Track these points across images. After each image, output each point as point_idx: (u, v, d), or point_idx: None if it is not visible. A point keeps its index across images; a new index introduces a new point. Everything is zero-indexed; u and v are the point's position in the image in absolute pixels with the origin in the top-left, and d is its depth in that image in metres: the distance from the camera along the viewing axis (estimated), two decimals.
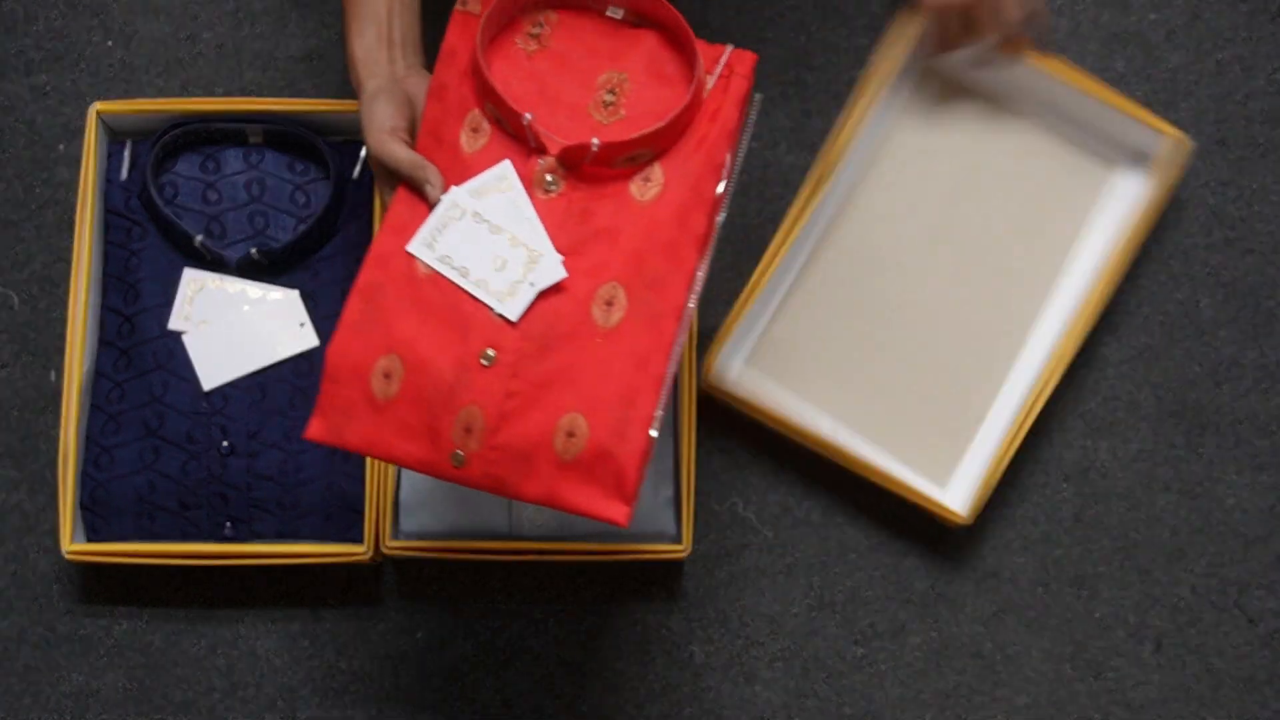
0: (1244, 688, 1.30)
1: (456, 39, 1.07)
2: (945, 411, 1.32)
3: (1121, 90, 1.39)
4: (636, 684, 1.30)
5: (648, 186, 1.05)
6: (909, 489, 1.26)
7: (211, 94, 1.38)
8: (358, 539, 1.26)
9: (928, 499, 1.26)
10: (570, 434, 1.00)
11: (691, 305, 1.04)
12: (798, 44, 1.40)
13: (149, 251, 1.27)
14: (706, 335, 1.30)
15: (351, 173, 1.30)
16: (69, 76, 1.38)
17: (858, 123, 1.30)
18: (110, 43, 1.39)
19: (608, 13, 1.10)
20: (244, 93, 1.38)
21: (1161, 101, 1.39)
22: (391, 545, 1.23)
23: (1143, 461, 1.33)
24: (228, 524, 1.25)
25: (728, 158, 1.06)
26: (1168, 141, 1.30)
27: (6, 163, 1.37)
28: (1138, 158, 1.34)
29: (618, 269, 1.02)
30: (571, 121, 1.06)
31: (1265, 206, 1.37)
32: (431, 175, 1.03)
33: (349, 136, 1.32)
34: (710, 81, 1.07)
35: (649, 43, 1.08)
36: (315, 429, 1.03)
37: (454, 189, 1.03)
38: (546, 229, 1.02)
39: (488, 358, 1.00)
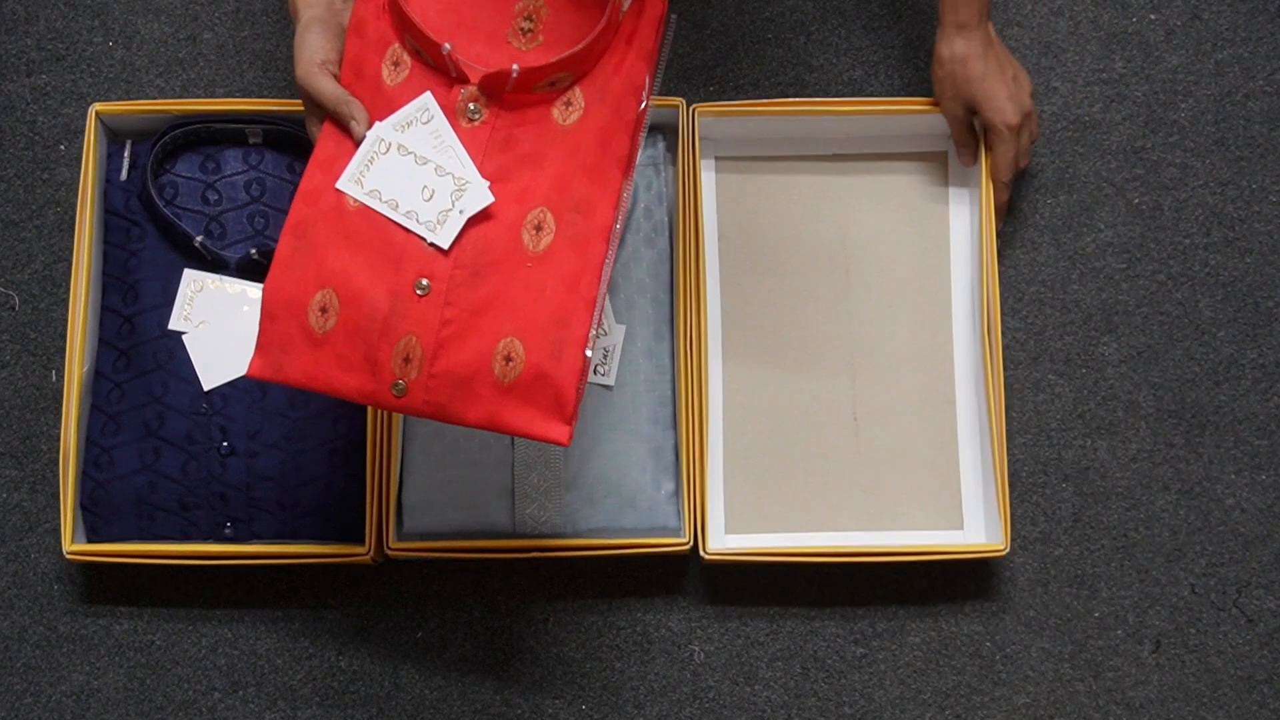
0: (1243, 687, 1.30)
1: None
2: (920, 461, 1.33)
3: (1121, 90, 1.39)
4: (636, 684, 1.30)
5: (569, 110, 1.06)
6: (939, 550, 1.27)
7: (212, 94, 1.38)
8: (357, 539, 1.26)
9: (961, 549, 1.26)
10: (508, 358, 1.01)
11: (618, 226, 1.06)
12: (798, 44, 1.40)
13: (148, 252, 1.28)
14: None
15: None
16: (69, 76, 1.38)
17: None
18: (110, 43, 1.39)
19: None
20: (244, 93, 1.38)
21: (1161, 101, 1.39)
22: (394, 546, 1.23)
23: (1142, 461, 1.33)
24: (228, 524, 1.25)
25: (646, 79, 1.08)
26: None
27: (7, 163, 1.37)
28: (954, 144, 1.35)
29: (544, 194, 1.04)
30: (491, 49, 1.09)
31: (1265, 206, 1.37)
32: (356, 111, 1.04)
33: None
34: (625, 4, 1.08)
35: None
36: (255, 366, 1.04)
37: (377, 124, 1.04)
38: (472, 157, 1.04)
39: (422, 287, 1.02)
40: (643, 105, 1.08)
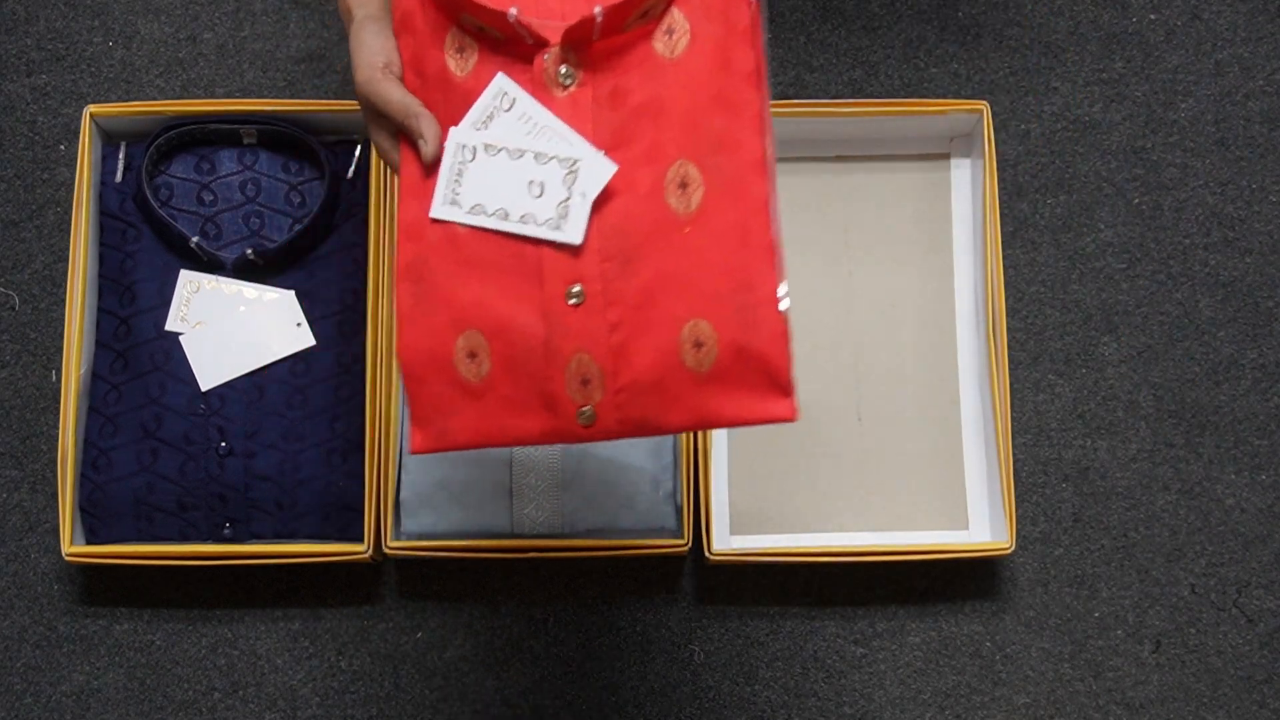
0: (1243, 687, 1.30)
1: None
2: (925, 461, 1.33)
3: (1121, 90, 1.39)
4: (636, 684, 1.30)
5: (673, 39, 0.89)
6: (943, 550, 1.26)
7: (212, 94, 1.38)
8: (356, 538, 1.26)
9: (966, 548, 1.26)
10: (698, 344, 0.88)
11: (770, 150, 0.90)
12: (797, 44, 1.40)
13: (144, 253, 1.28)
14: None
15: (346, 172, 1.30)
16: (69, 77, 1.38)
17: None
18: (110, 43, 1.39)
19: None
20: (244, 93, 1.38)
21: (1161, 101, 1.39)
22: (393, 546, 1.23)
23: (1142, 461, 1.33)
24: (226, 525, 1.25)
25: None
26: (970, 118, 1.32)
27: (7, 163, 1.37)
28: (955, 145, 1.36)
29: (677, 143, 0.88)
30: None
31: (1265, 206, 1.37)
32: (425, 127, 0.90)
33: (343, 136, 1.32)
34: None
35: None
36: (419, 441, 0.93)
37: (453, 130, 0.90)
38: (581, 128, 0.89)
39: (575, 295, 0.88)
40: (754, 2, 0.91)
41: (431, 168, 0.90)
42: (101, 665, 1.30)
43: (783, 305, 0.88)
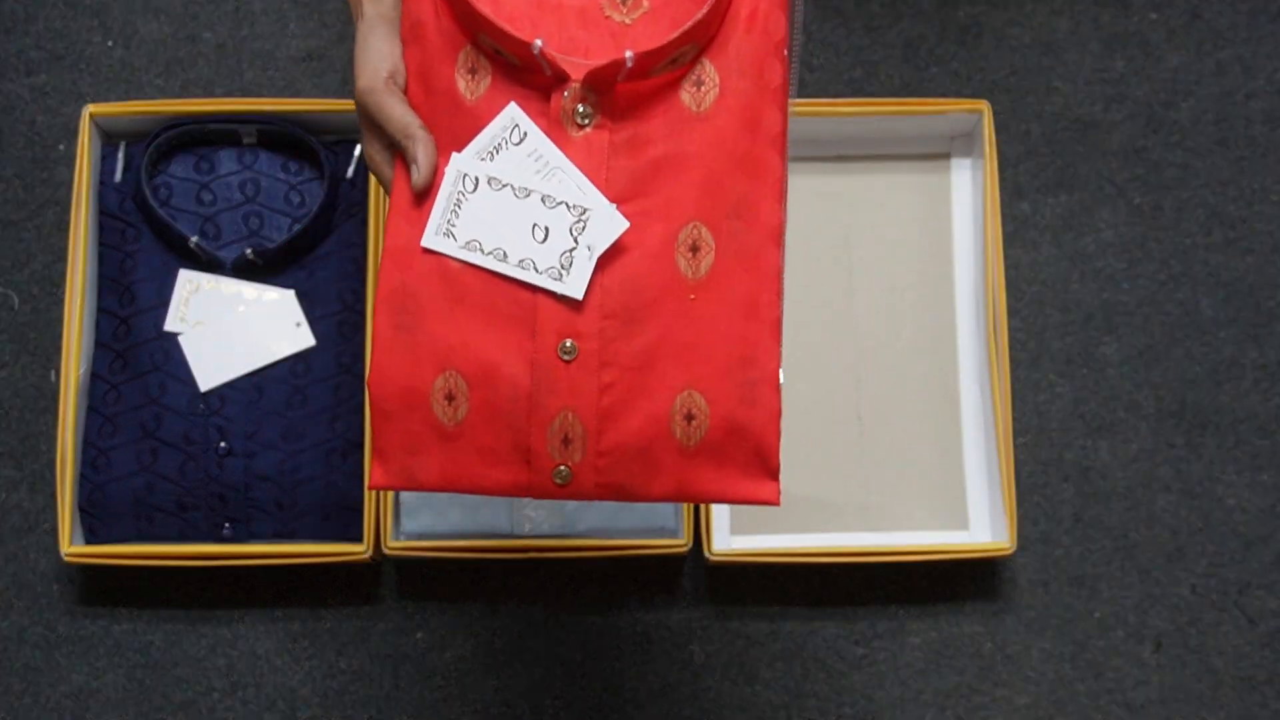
0: (1244, 688, 1.30)
1: None
2: (925, 462, 1.33)
3: (1122, 89, 1.39)
4: (636, 684, 1.30)
5: (702, 91, 0.84)
6: (944, 550, 1.27)
7: (211, 94, 1.38)
8: (356, 539, 1.26)
9: (966, 549, 1.26)
10: (689, 416, 0.84)
11: (784, 222, 0.86)
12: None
13: (144, 253, 1.27)
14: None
15: (346, 172, 1.30)
16: (69, 76, 1.38)
17: None
18: (110, 43, 1.39)
19: None
20: (244, 93, 1.38)
21: (1161, 101, 1.39)
22: (393, 546, 1.23)
23: (1143, 461, 1.33)
24: (226, 525, 1.25)
25: (784, 27, 0.87)
26: (970, 118, 1.32)
27: (6, 163, 1.37)
28: (955, 145, 1.36)
29: (693, 203, 0.83)
30: (587, 30, 0.85)
31: (1265, 206, 1.37)
32: (421, 151, 0.85)
33: (343, 136, 1.32)
34: None
35: None
36: (378, 476, 0.87)
37: (455, 157, 0.84)
38: (593, 173, 0.83)
39: (568, 350, 0.83)
40: (791, 64, 0.87)
41: (421, 196, 0.85)
42: (101, 665, 1.30)
43: (780, 383, 0.86)
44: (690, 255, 0.84)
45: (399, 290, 0.85)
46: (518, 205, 0.83)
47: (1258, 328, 1.35)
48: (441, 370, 0.84)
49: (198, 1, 1.40)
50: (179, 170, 1.29)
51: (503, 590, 1.31)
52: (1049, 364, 1.35)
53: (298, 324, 1.27)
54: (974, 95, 1.39)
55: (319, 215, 1.27)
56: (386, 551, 1.23)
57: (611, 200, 0.83)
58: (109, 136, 1.32)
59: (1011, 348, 1.35)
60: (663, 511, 1.26)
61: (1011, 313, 1.35)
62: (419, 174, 0.84)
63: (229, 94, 1.38)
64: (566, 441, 0.83)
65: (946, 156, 1.37)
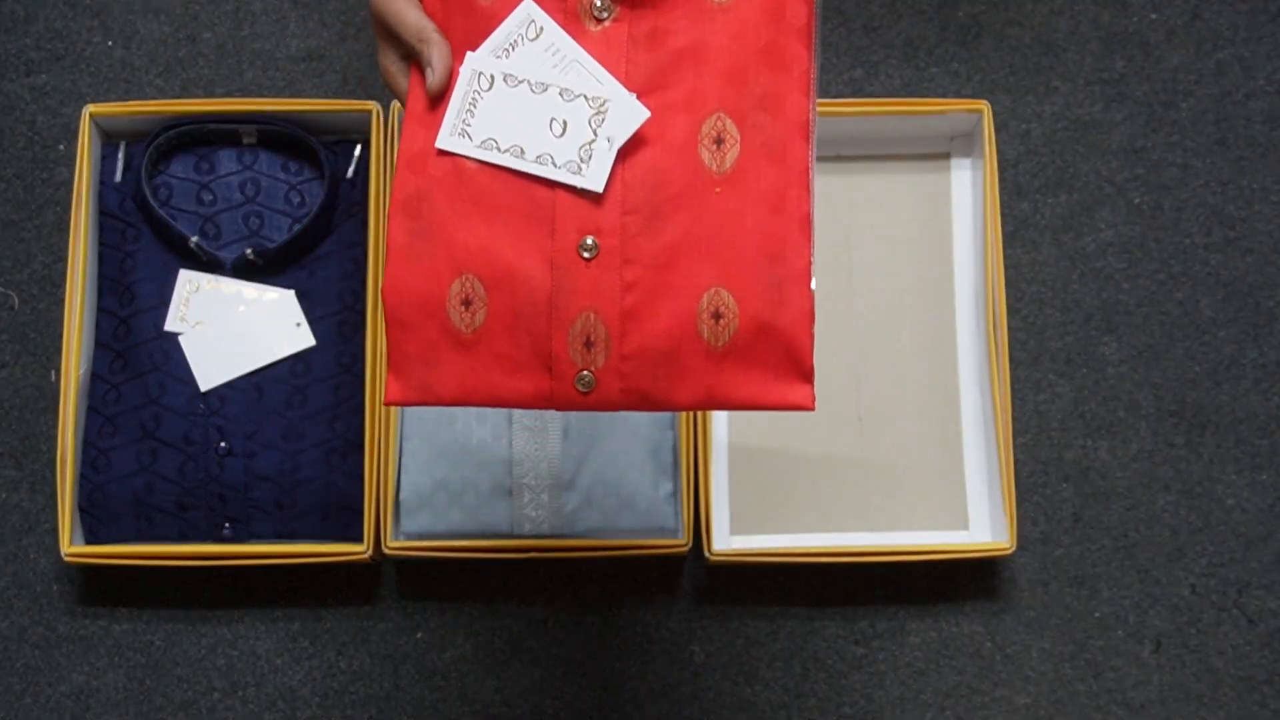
0: (1244, 688, 1.30)
1: None
2: (925, 461, 1.33)
3: (1121, 89, 1.39)
4: (636, 684, 1.30)
5: None
6: (944, 550, 1.27)
7: (211, 94, 1.38)
8: (356, 538, 1.26)
9: (966, 549, 1.26)
10: (717, 315, 0.81)
11: (814, 117, 0.84)
12: None
13: (144, 253, 1.27)
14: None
15: (346, 172, 1.30)
16: (69, 76, 1.38)
17: None
18: (110, 43, 1.39)
19: None
20: (244, 93, 1.38)
21: (1161, 101, 1.39)
22: (392, 545, 1.23)
23: (1143, 461, 1.33)
24: (226, 525, 1.25)
25: None
26: (970, 118, 1.32)
27: (6, 163, 1.37)
28: (955, 145, 1.36)
29: (717, 95, 0.81)
30: None
31: (1265, 206, 1.37)
32: (435, 54, 0.83)
33: (343, 136, 1.32)
34: None
35: None
36: (395, 390, 0.85)
37: (470, 56, 0.82)
38: (613, 67, 0.82)
39: (588, 248, 0.81)
40: None
41: (436, 100, 0.83)
42: (101, 665, 1.30)
43: (813, 284, 0.83)
44: (715, 148, 0.81)
45: (414, 196, 0.83)
46: (534, 100, 0.81)
47: (1258, 328, 1.35)
48: (458, 274, 0.82)
49: (198, 1, 1.40)
50: (179, 170, 1.29)
51: (503, 590, 1.31)
52: (1049, 364, 1.35)
53: (298, 324, 1.27)
54: (974, 95, 1.39)
55: (319, 215, 1.27)
56: (386, 551, 1.23)
57: (633, 92, 0.81)
58: (109, 136, 1.32)
59: (1011, 348, 1.35)
60: (663, 511, 1.26)
61: (1011, 312, 1.35)
62: (434, 76, 0.83)
63: (229, 94, 1.38)
64: (589, 344, 0.81)
65: (946, 156, 1.37)
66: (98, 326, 1.28)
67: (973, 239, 1.34)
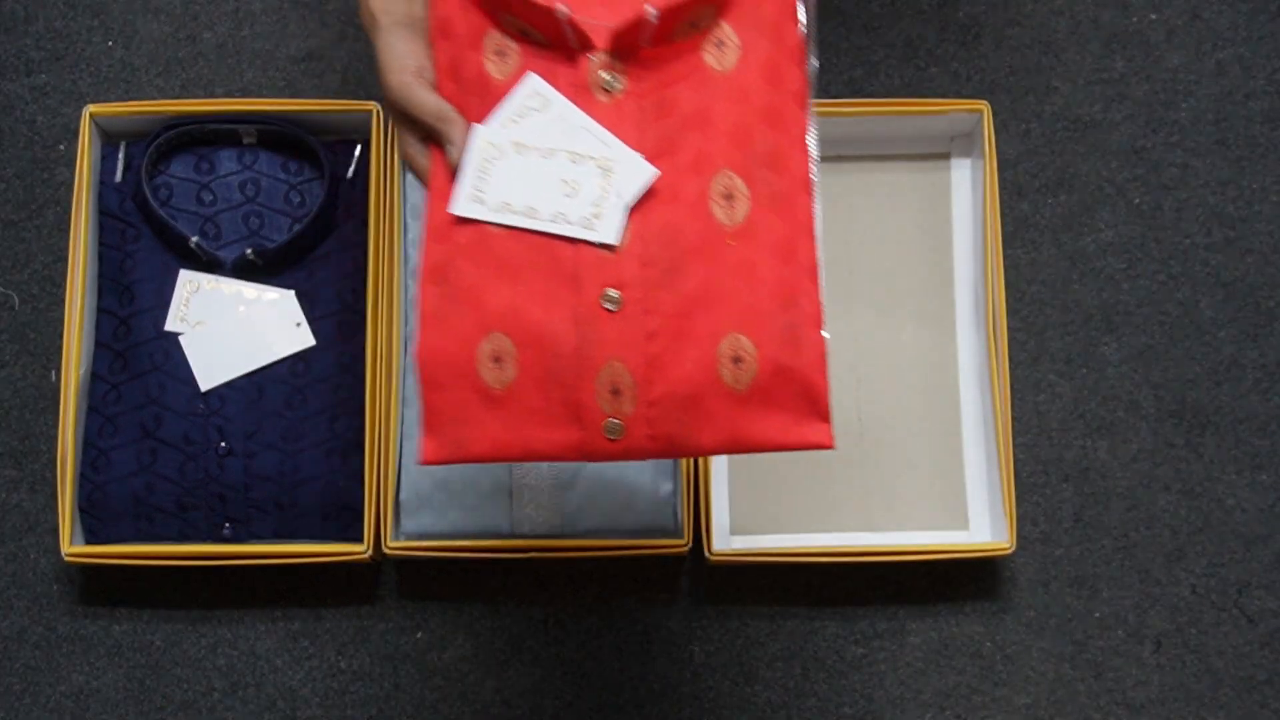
0: (1244, 688, 1.30)
1: None
2: (925, 461, 1.33)
3: (1121, 89, 1.39)
4: (636, 684, 1.30)
5: (723, 51, 0.89)
6: (943, 550, 1.27)
7: (211, 94, 1.38)
8: (356, 538, 1.26)
9: (965, 549, 1.26)
10: (737, 359, 0.85)
11: (814, 175, 0.90)
12: None
13: (144, 253, 1.27)
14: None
15: (346, 172, 1.30)
16: (69, 76, 1.38)
17: None
18: (110, 43, 1.39)
19: None
20: (244, 93, 1.38)
21: (1161, 101, 1.39)
22: (393, 546, 1.23)
23: (1143, 461, 1.33)
24: (226, 525, 1.25)
25: None
26: (970, 117, 1.32)
27: (6, 163, 1.37)
28: (955, 145, 1.36)
29: (724, 154, 0.86)
30: (606, 6, 0.88)
31: (1265, 206, 1.37)
32: (455, 130, 0.87)
33: (343, 136, 1.32)
34: None
35: None
36: (430, 450, 0.88)
37: (479, 127, 0.87)
38: (624, 135, 0.86)
39: (611, 300, 0.84)
40: (803, 23, 0.90)
41: (457, 173, 0.87)
42: (101, 665, 1.30)
43: (824, 333, 0.88)
44: (725, 203, 0.86)
45: (441, 264, 0.87)
46: (545, 165, 0.86)
47: (1258, 328, 1.35)
48: (486, 333, 0.85)
49: (198, 1, 1.40)
50: (179, 170, 1.29)
51: (503, 590, 1.31)
52: (1049, 364, 1.35)
53: (298, 324, 1.27)
54: (974, 95, 1.39)
55: (319, 215, 1.27)
56: (386, 551, 1.23)
57: (641, 155, 0.85)
58: (109, 136, 1.32)
59: (1011, 348, 1.35)
60: (663, 511, 1.26)
61: (1011, 312, 1.35)
62: (455, 150, 0.87)
63: (229, 94, 1.38)
64: (615, 393, 0.84)
65: (946, 156, 1.37)
66: (98, 326, 1.28)
67: (973, 239, 1.34)
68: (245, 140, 1.30)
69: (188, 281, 1.27)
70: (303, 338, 1.27)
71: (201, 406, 1.25)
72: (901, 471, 1.32)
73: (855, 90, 1.39)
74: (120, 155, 1.30)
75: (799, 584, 1.31)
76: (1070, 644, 1.31)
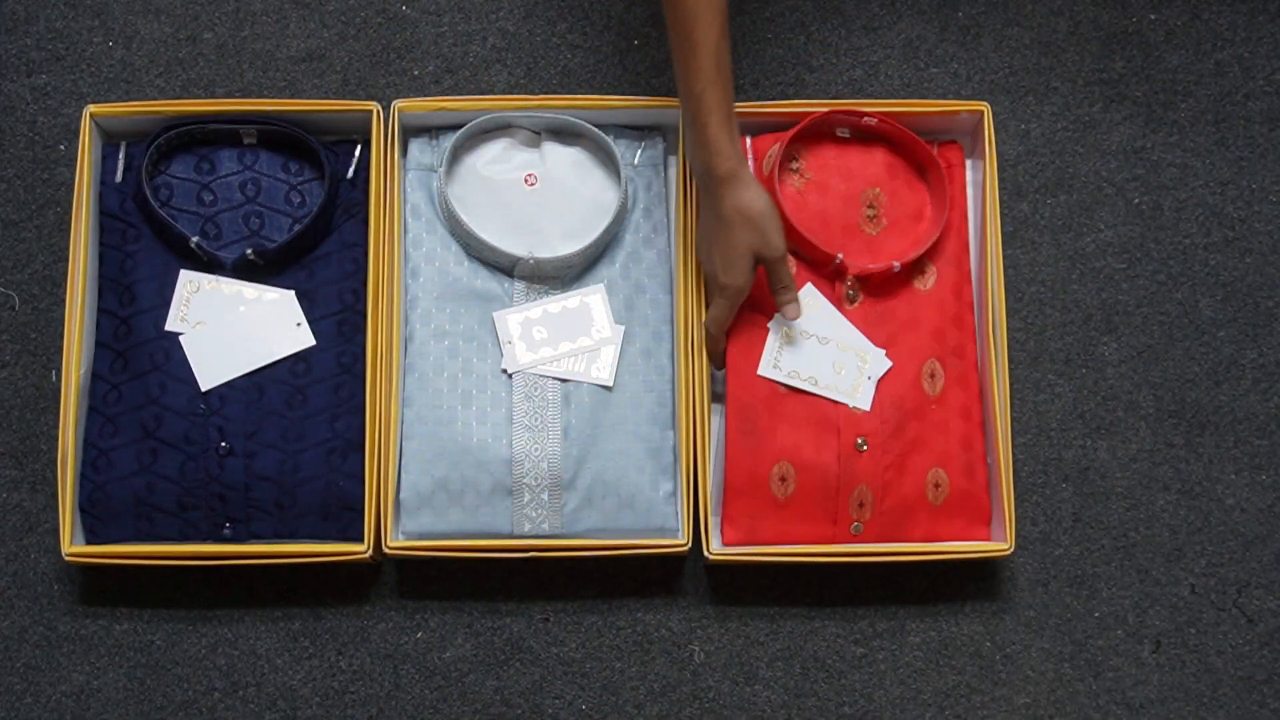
0: (1243, 687, 1.30)
1: None
2: None
3: (1121, 90, 1.39)
4: (636, 684, 1.30)
5: (926, 278, 1.30)
6: (942, 550, 1.26)
7: (212, 94, 1.38)
8: (356, 538, 1.26)
9: (965, 549, 1.26)
10: (937, 485, 1.26)
11: (979, 356, 1.30)
12: (797, 44, 1.40)
13: (144, 254, 1.27)
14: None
15: (346, 172, 1.30)
16: (69, 77, 1.38)
17: None
18: (110, 43, 1.39)
19: (838, 132, 1.31)
20: (244, 93, 1.38)
21: (1161, 102, 1.39)
22: (393, 546, 1.23)
23: (1142, 461, 1.33)
24: (226, 524, 1.25)
25: (969, 232, 1.32)
26: (971, 117, 1.32)
27: (7, 163, 1.37)
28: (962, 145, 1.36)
29: (928, 347, 1.28)
30: (848, 238, 1.30)
31: (1265, 206, 1.37)
32: (793, 288, 1.25)
33: (343, 136, 1.32)
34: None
35: (882, 155, 1.31)
36: (730, 535, 1.26)
37: (778, 315, 1.26)
38: (863, 330, 1.28)
39: (860, 445, 1.25)
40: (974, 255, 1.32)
41: (761, 340, 1.27)
42: (101, 665, 1.30)
43: (990, 461, 1.28)
44: (930, 380, 1.28)
45: (746, 408, 1.26)
46: (820, 349, 1.27)
47: (1257, 328, 1.35)
48: (776, 461, 1.25)
49: (198, 1, 1.40)
50: (179, 170, 1.29)
51: (503, 590, 1.31)
52: (1048, 364, 1.35)
53: (298, 324, 1.27)
54: (974, 95, 1.39)
55: (319, 215, 1.27)
56: (386, 551, 1.23)
57: (878, 348, 1.28)
58: (109, 137, 1.32)
59: (1011, 347, 1.35)
60: (663, 511, 1.26)
61: (1011, 312, 1.35)
62: (797, 308, 1.25)
63: (229, 94, 1.38)
64: (861, 505, 1.25)
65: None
66: (98, 326, 1.28)
67: (973, 239, 1.34)
68: (245, 140, 1.30)
69: (188, 281, 1.27)
70: (303, 338, 1.27)
71: (202, 406, 1.25)
72: None
73: (855, 90, 1.39)
74: (120, 155, 1.30)
75: (799, 584, 1.31)
76: (1070, 644, 1.31)
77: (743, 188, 1.18)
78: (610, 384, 1.27)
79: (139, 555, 1.23)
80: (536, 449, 1.25)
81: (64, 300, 1.33)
